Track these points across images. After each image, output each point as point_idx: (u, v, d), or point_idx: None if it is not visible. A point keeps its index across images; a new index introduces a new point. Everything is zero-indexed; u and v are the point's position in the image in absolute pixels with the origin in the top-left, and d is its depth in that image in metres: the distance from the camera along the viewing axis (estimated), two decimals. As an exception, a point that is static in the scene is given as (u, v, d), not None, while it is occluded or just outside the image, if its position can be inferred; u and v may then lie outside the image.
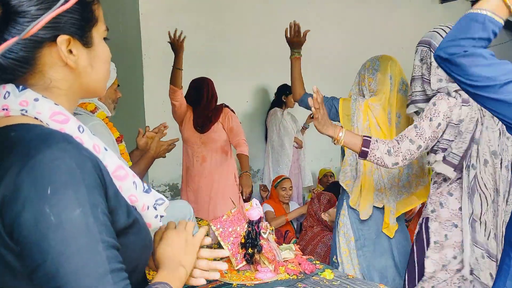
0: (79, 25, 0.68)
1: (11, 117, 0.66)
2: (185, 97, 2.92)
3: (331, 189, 3.36)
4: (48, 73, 0.68)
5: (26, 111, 0.66)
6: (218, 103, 2.99)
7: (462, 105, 1.63)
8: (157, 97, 3.42)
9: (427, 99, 1.74)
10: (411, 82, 1.83)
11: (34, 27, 0.51)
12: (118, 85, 1.95)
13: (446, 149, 1.66)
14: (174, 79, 2.78)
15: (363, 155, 1.69)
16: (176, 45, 2.73)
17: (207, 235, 1.78)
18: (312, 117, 4.24)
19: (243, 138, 2.90)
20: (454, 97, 1.63)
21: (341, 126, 1.75)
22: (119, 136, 1.82)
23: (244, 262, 1.51)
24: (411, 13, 5.42)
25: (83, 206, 0.59)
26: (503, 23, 1.07)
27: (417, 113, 1.83)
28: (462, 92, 1.61)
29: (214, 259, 0.94)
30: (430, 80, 1.71)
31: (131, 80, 3.44)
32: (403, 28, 5.24)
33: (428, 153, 1.78)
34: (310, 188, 4.38)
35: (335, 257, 2.14)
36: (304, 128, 4.27)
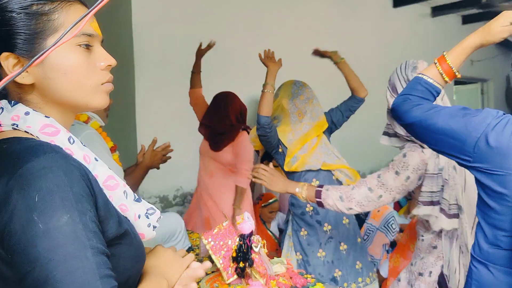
0: (23, 40, 0.67)
1: (4, 132, 0.68)
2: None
3: None
4: (15, 90, 0.70)
5: (17, 125, 0.67)
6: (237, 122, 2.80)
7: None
8: (149, 108, 3.41)
9: (395, 134, 1.70)
10: (387, 113, 1.75)
11: (39, 59, 0.53)
12: None
13: (438, 201, 1.58)
14: (194, 83, 2.82)
15: (320, 205, 1.71)
16: (202, 52, 2.77)
17: (197, 255, 1.76)
18: None
19: (245, 168, 2.65)
20: (422, 146, 1.57)
21: (303, 183, 1.74)
22: (113, 146, 1.80)
23: (235, 276, 1.49)
24: (403, 26, 5.49)
25: (71, 213, 0.59)
26: (441, 88, 1.30)
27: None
28: None
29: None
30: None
31: (123, 91, 3.43)
32: (395, 41, 5.30)
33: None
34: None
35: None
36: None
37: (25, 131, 0.68)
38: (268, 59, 2.18)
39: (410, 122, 1.21)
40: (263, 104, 2.02)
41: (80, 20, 0.54)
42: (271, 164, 1.78)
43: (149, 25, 3.43)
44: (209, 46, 2.82)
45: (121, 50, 3.49)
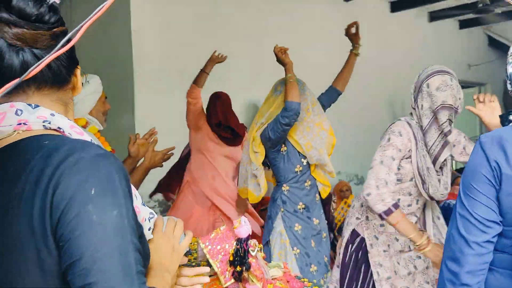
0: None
1: (34, 130, 0.70)
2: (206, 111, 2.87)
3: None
4: (71, 92, 0.77)
5: (50, 122, 0.70)
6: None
7: None
8: (148, 113, 3.43)
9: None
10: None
11: (38, 67, 0.55)
12: (106, 97, 1.97)
13: None
14: (198, 80, 2.79)
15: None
16: (216, 59, 2.79)
17: (195, 259, 1.77)
18: None
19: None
20: None
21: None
22: (111, 151, 1.82)
23: (233, 280, 1.50)
24: (400, 30, 5.52)
25: (120, 208, 0.64)
26: None
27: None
28: None
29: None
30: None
31: (121, 97, 3.45)
32: (392, 45, 5.33)
33: None
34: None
35: None
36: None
37: (57, 128, 0.71)
38: (285, 55, 2.29)
39: None
40: (294, 92, 2.11)
41: (78, 29, 0.56)
42: None
43: (148, 32, 3.46)
44: (222, 58, 2.82)
45: (120, 56, 3.52)
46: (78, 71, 0.78)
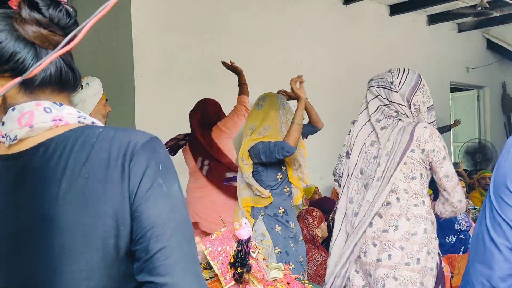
0: None
1: (71, 125, 0.72)
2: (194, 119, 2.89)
3: (315, 205, 3.39)
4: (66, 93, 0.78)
5: (85, 118, 0.74)
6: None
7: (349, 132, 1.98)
8: (149, 115, 3.43)
9: None
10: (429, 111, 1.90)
11: (38, 67, 0.54)
12: (107, 100, 1.97)
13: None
14: (243, 90, 2.84)
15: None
16: (235, 69, 2.81)
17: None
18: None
19: None
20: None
21: None
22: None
23: (233, 282, 1.51)
24: (399, 34, 5.55)
25: (178, 182, 0.72)
26: None
27: None
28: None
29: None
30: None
31: (122, 99, 3.45)
32: (391, 49, 5.35)
33: None
34: (299, 207, 4.39)
35: None
36: (295, 146, 4.31)
37: (92, 122, 0.75)
38: (301, 88, 2.28)
39: None
40: (295, 136, 2.20)
41: (79, 30, 0.56)
42: None
43: (149, 34, 3.47)
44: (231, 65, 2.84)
45: (120, 59, 3.53)
46: None
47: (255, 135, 2.35)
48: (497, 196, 1.06)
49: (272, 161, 2.27)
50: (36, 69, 0.54)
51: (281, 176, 2.39)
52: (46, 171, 0.67)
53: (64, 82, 0.74)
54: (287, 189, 2.43)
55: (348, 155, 1.86)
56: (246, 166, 2.37)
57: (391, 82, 1.87)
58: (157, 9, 3.52)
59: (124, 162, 0.68)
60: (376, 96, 1.93)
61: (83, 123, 0.74)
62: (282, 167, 2.39)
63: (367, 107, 1.96)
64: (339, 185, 2.01)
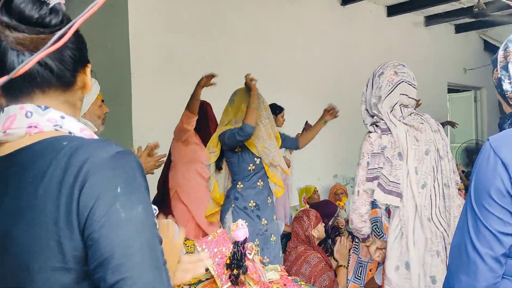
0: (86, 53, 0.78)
1: (46, 133, 0.70)
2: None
3: (315, 207, 3.37)
4: (78, 92, 0.76)
5: (61, 127, 0.70)
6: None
7: (382, 134, 1.73)
8: (145, 115, 3.42)
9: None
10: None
11: (26, 65, 0.53)
12: (103, 100, 1.95)
13: (378, 176, 1.72)
14: (193, 108, 2.75)
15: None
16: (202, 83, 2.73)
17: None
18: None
19: None
20: (374, 131, 1.75)
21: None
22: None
23: (229, 283, 1.50)
24: (397, 35, 5.55)
25: (144, 204, 0.65)
26: None
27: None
28: (381, 124, 1.75)
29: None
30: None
31: (119, 98, 3.44)
32: (389, 49, 5.36)
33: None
34: (296, 207, 4.39)
35: None
36: (292, 147, 4.31)
37: (69, 132, 0.71)
38: (251, 84, 2.48)
39: None
40: (252, 116, 2.35)
41: (69, 28, 0.55)
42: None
43: (146, 33, 3.46)
44: (210, 79, 2.76)
45: (118, 57, 3.52)
46: (87, 70, 0.77)
47: (225, 126, 2.47)
48: (479, 206, 1.02)
49: (235, 143, 2.35)
50: (22, 69, 0.53)
51: (254, 167, 2.44)
52: (12, 183, 0.66)
53: (40, 82, 0.70)
54: (261, 183, 2.46)
55: (401, 156, 1.72)
56: (211, 155, 2.48)
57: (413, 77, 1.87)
58: (154, 9, 3.51)
59: (75, 184, 0.63)
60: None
61: (60, 130, 0.71)
62: (256, 158, 2.44)
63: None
64: (397, 193, 1.73)
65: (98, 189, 0.63)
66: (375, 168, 1.72)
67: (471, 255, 1.03)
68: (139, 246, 0.62)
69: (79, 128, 0.72)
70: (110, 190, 0.63)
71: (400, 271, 1.72)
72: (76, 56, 0.73)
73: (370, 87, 1.85)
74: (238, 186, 2.45)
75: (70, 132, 0.71)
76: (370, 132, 1.78)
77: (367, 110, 1.85)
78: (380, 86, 1.79)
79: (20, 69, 0.53)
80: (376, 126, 1.77)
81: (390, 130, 1.73)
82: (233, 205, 2.42)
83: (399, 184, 1.69)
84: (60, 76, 0.71)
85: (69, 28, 0.53)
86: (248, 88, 2.51)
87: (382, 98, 1.77)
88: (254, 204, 2.42)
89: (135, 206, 0.64)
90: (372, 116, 1.81)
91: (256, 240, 2.38)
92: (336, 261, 2.66)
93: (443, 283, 1.16)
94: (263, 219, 2.43)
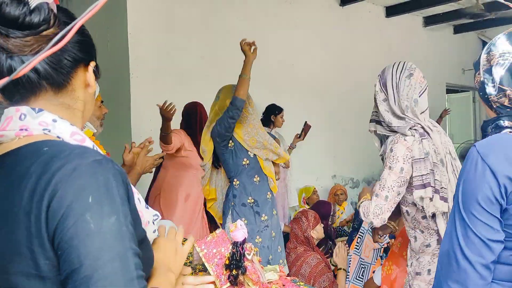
0: (95, 57, 0.77)
1: (34, 136, 0.69)
2: (180, 123, 2.93)
3: (311, 208, 3.38)
4: (76, 93, 0.74)
5: (49, 131, 0.69)
6: None
7: (422, 139, 1.65)
8: (144, 116, 3.42)
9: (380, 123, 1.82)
10: (374, 101, 1.88)
11: (27, 67, 0.53)
12: (102, 101, 1.95)
13: (429, 183, 1.64)
14: (168, 140, 2.71)
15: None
16: (165, 114, 2.65)
17: (190, 262, 1.77)
18: (299, 137, 4.30)
19: None
20: (412, 135, 1.66)
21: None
22: (106, 154, 1.81)
23: (228, 284, 1.50)
24: (395, 35, 5.56)
25: (117, 214, 0.63)
26: None
27: (375, 132, 1.89)
28: (418, 127, 1.67)
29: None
30: (378, 106, 1.80)
31: (117, 99, 3.44)
32: (388, 50, 5.36)
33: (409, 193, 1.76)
34: (295, 208, 4.39)
35: None
36: (291, 147, 4.30)
37: (57, 137, 0.70)
38: (248, 47, 2.34)
39: None
40: (243, 88, 2.26)
41: (69, 29, 0.55)
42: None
43: (145, 34, 3.46)
44: (170, 108, 2.68)
45: (117, 58, 3.52)
46: (89, 68, 0.75)
47: (213, 123, 2.40)
48: (468, 213, 1.02)
49: (227, 124, 2.26)
50: (23, 70, 0.53)
51: (248, 162, 2.37)
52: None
53: (29, 86, 0.69)
54: (257, 178, 2.40)
55: (442, 162, 1.69)
56: (204, 154, 2.43)
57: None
58: (153, 9, 3.51)
59: (45, 192, 0.62)
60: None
61: (48, 134, 0.70)
62: (249, 153, 2.38)
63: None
64: (446, 199, 1.71)
65: (69, 198, 0.61)
66: (423, 175, 1.65)
67: (461, 263, 1.03)
68: (109, 258, 0.61)
69: (69, 132, 0.71)
70: (82, 199, 0.61)
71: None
72: (71, 56, 0.72)
73: (395, 88, 1.75)
74: (234, 183, 2.38)
75: (58, 137, 0.70)
76: (405, 135, 1.68)
77: (393, 112, 1.75)
78: (414, 88, 1.73)
79: (20, 71, 0.53)
80: (411, 129, 1.68)
81: (428, 134, 1.67)
82: (232, 203, 2.36)
83: (447, 189, 1.66)
84: (48, 78, 0.70)
85: (69, 30, 0.53)
86: (244, 53, 2.36)
87: (418, 101, 1.71)
88: (252, 200, 2.37)
89: (106, 217, 0.62)
90: (400, 119, 1.72)
91: (258, 237, 2.32)
92: (334, 265, 2.65)
93: None
94: (263, 215, 2.38)
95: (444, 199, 1.66)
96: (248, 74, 2.29)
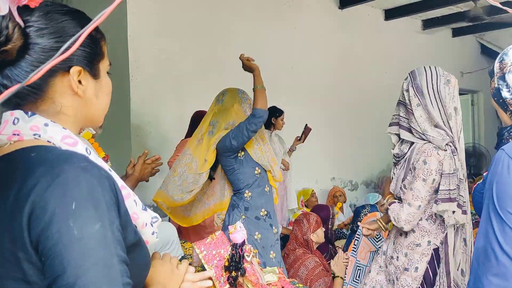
0: (90, 58, 0.75)
1: (25, 141, 0.70)
2: (187, 130, 2.95)
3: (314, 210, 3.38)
4: (57, 100, 0.73)
5: (40, 136, 0.70)
6: None
7: (453, 155, 1.77)
8: (144, 118, 3.43)
9: (409, 129, 1.88)
10: (397, 104, 1.94)
11: (36, 75, 0.54)
12: None
13: (455, 198, 1.76)
14: None
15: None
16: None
17: (190, 264, 1.78)
18: (299, 140, 4.30)
19: None
20: (445, 150, 1.76)
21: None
22: (105, 156, 1.82)
23: (228, 285, 1.51)
24: (394, 39, 5.58)
25: (103, 221, 0.62)
26: None
27: (398, 135, 1.94)
28: (451, 144, 1.78)
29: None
30: (412, 112, 1.82)
31: (117, 102, 3.45)
32: (386, 53, 5.38)
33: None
34: (294, 210, 4.40)
35: None
36: (291, 150, 4.31)
37: (48, 141, 0.70)
38: (251, 64, 2.24)
39: None
40: (263, 99, 2.13)
41: (77, 38, 0.56)
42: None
43: (145, 37, 3.48)
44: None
45: (116, 62, 3.51)
46: (70, 75, 0.72)
47: (219, 131, 2.20)
48: (504, 212, 1.10)
49: (245, 139, 2.09)
50: (34, 77, 0.54)
51: (260, 171, 2.23)
52: None
53: (7, 103, 0.70)
54: (268, 188, 2.26)
55: (464, 177, 1.84)
56: (206, 163, 2.22)
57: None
58: (152, 12, 3.52)
59: (29, 198, 0.61)
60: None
61: (39, 139, 0.70)
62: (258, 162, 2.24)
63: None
64: (465, 211, 1.85)
65: (53, 204, 0.61)
66: (451, 190, 1.77)
67: (501, 258, 1.10)
68: (92, 265, 0.60)
69: (61, 136, 0.70)
70: (65, 206, 0.61)
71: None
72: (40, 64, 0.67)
73: (436, 93, 1.86)
74: (246, 195, 2.20)
75: (49, 141, 0.70)
76: (438, 148, 1.77)
77: (430, 120, 1.83)
78: (452, 96, 1.86)
79: (31, 79, 0.54)
80: (447, 145, 1.78)
81: (456, 150, 1.80)
82: (243, 216, 2.18)
83: (466, 202, 1.82)
84: (15, 94, 0.66)
85: (76, 39, 0.54)
86: (248, 69, 2.25)
87: (457, 109, 1.88)
88: (265, 212, 2.20)
89: (90, 224, 0.61)
90: (437, 128, 1.81)
91: (272, 252, 2.19)
92: (333, 273, 2.64)
93: (469, 286, 1.22)
94: (274, 228, 2.24)
95: (465, 212, 1.80)
96: (262, 84, 2.18)
